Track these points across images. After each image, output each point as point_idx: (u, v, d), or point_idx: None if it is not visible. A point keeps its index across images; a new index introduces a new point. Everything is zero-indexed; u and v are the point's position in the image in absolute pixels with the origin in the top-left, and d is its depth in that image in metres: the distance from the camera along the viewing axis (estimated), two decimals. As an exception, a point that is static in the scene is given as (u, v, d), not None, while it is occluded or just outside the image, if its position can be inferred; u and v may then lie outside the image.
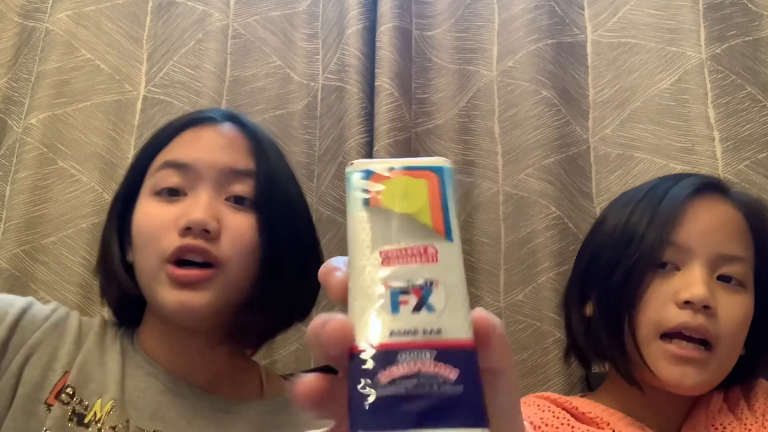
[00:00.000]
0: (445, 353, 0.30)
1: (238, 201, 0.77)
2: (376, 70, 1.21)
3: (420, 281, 0.31)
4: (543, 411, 0.82)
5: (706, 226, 0.77)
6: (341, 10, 1.30)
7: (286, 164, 0.85)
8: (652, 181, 0.87)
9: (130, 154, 1.23)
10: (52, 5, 1.30)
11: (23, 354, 0.74)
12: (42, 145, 1.18)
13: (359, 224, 0.32)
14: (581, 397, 0.88)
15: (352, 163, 0.34)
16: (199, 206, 0.73)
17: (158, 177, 0.77)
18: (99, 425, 0.72)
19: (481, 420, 0.29)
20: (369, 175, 0.34)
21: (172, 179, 0.76)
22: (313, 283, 0.78)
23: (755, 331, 0.78)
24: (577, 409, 0.82)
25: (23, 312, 0.77)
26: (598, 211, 1.15)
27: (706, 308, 0.74)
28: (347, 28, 1.25)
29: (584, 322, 0.85)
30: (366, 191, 0.33)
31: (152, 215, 0.75)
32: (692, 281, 0.75)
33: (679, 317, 0.74)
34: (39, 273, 1.14)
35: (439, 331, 0.30)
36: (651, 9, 1.25)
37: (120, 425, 0.73)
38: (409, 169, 0.34)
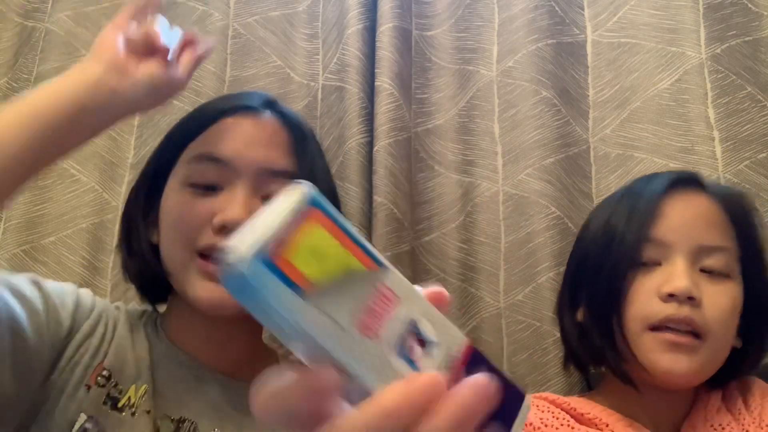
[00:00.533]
0: (467, 366, 0.31)
1: None
2: (376, 70, 1.21)
3: (405, 326, 0.30)
4: (542, 411, 0.82)
5: (684, 219, 0.78)
6: (341, 10, 1.30)
7: (325, 161, 0.84)
8: (629, 182, 0.89)
9: (130, 154, 1.23)
10: (52, 5, 1.30)
11: (78, 341, 0.74)
12: (42, 145, 1.18)
13: (314, 320, 0.27)
14: (580, 397, 0.88)
15: (227, 264, 0.26)
16: (236, 205, 0.72)
17: (193, 170, 0.76)
18: (133, 409, 0.72)
19: (523, 391, 0.32)
20: (267, 261, 0.26)
21: (208, 174, 0.75)
22: None
23: (747, 321, 0.79)
24: (575, 410, 0.82)
25: (77, 299, 0.77)
26: (598, 211, 1.15)
27: (690, 299, 0.74)
28: (347, 28, 1.25)
29: (577, 327, 0.86)
30: (289, 282, 0.26)
31: (185, 207, 0.74)
32: (674, 274, 0.75)
33: (664, 310, 0.75)
34: (39, 273, 1.13)
35: (450, 353, 0.31)
36: (651, 9, 1.25)
37: (152, 411, 0.73)
38: (289, 224, 0.27)
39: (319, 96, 1.30)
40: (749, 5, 1.21)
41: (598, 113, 1.24)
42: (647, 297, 0.76)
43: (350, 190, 1.16)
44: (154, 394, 0.74)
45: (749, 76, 1.17)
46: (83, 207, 1.19)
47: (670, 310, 0.74)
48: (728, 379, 0.81)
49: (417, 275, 1.18)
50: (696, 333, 0.74)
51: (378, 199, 1.14)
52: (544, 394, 0.86)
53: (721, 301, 0.75)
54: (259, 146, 0.76)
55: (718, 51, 1.19)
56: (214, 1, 1.31)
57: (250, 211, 0.72)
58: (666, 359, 0.74)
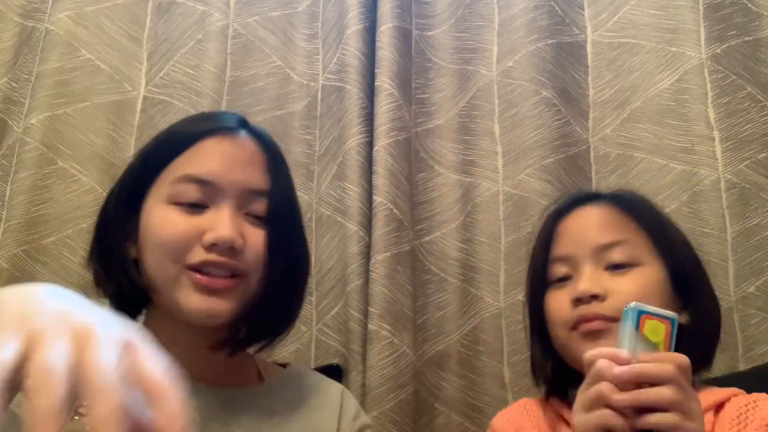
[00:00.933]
0: None
1: (255, 218, 0.80)
2: (376, 70, 1.21)
3: None
4: (528, 416, 0.86)
5: (578, 231, 0.86)
6: (341, 10, 1.30)
7: (291, 178, 0.89)
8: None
9: (130, 154, 1.23)
10: (52, 5, 1.30)
11: None
12: (42, 145, 1.18)
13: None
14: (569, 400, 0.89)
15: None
16: (224, 223, 0.76)
17: (178, 189, 0.78)
18: None
19: None
20: (641, 315, 0.65)
21: (193, 194, 0.78)
22: (302, 294, 0.84)
23: (683, 294, 0.84)
24: (563, 417, 0.84)
25: None
26: (598, 211, 1.16)
27: (594, 297, 0.80)
28: (347, 28, 1.25)
29: (539, 350, 0.92)
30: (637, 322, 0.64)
31: (174, 224, 0.77)
32: (577, 281, 0.83)
33: (577, 312, 0.81)
34: (39, 273, 1.14)
35: None
36: (651, 9, 1.25)
37: None
38: (658, 316, 0.64)
39: (319, 96, 1.30)
40: (749, 5, 1.20)
41: (598, 113, 1.24)
42: (562, 306, 0.83)
43: (350, 190, 1.16)
44: None
45: (749, 76, 1.17)
46: (83, 207, 1.19)
47: (581, 311, 0.81)
48: (695, 361, 0.84)
49: (417, 275, 1.18)
50: (609, 319, 0.80)
51: (378, 199, 1.14)
52: (532, 400, 0.89)
53: (626, 287, 0.80)
54: (240, 167, 0.80)
55: (718, 51, 1.19)
56: (214, 1, 1.31)
57: (238, 229, 0.77)
58: (590, 346, 0.79)
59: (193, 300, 0.75)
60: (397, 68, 1.21)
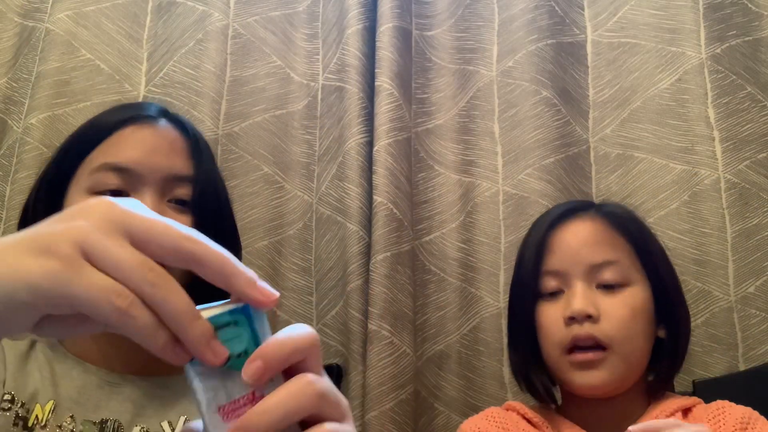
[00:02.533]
0: None
1: (179, 203, 0.79)
2: (376, 70, 1.21)
3: None
4: (495, 422, 0.87)
5: (572, 246, 0.87)
6: (341, 10, 1.30)
7: (216, 165, 0.89)
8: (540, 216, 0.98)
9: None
10: (52, 5, 1.30)
11: None
12: (42, 145, 1.18)
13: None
14: (548, 409, 0.90)
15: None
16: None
17: (97, 179, 0.77)
18: (43, 425, 0.72)
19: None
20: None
21: (112, 183, 0.77)
22: None
23: (663, 313, 0.86)
24: (527, 414, 0.87)
25: None
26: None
27: (588, 317, 0.82)
28: (347, 28, 1.25)
29: (518, 358, 0.93)
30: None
31: None
32: (571, 298, 0.84)
33: (570, 333, 0.83)
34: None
35: None
36: (651, 9, 1.25)
37: (65, 423, 0.74)
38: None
39: (319, 96, 1.30)
40: (749, 5, 1.21)
41: (598, 113, 1.24)
42: (556, 324, 0.84)
43: (350, 190, 1.16)
44: (69, 403, 0.75)
45: (749, 76, 1.18)
46: (83, 207, 1.19)
47: (575, 331, 0.82)
48: (669, 371, 0.87)
49: (417, 275, 1.18)
50: (601, 345, 0.81)
51: (378, 199, 1.14)
52: (514, 404, 0.90)
53: (619, 311, 0.83)
54: (161, 154, 0.79)
55: (718, 51, 1.19)
56: (214, 1, 1.31)
57: (159, 214, 0.76)
58: (579, 377, 0.83)
59: None
60: (397, 68, 1.21)
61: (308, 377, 0.35)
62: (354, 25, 1.25)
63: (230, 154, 1.23)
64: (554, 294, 0.86)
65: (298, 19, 1.36)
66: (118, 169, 0.77)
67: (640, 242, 0.87)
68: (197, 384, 0.34)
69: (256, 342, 0.35)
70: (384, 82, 1.19)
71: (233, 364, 0.34)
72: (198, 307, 0.34)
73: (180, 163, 0.80)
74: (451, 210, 1.22)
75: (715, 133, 1.16)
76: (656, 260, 0.88)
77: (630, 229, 0.88)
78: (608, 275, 0.84)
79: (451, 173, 1.24)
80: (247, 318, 0.35)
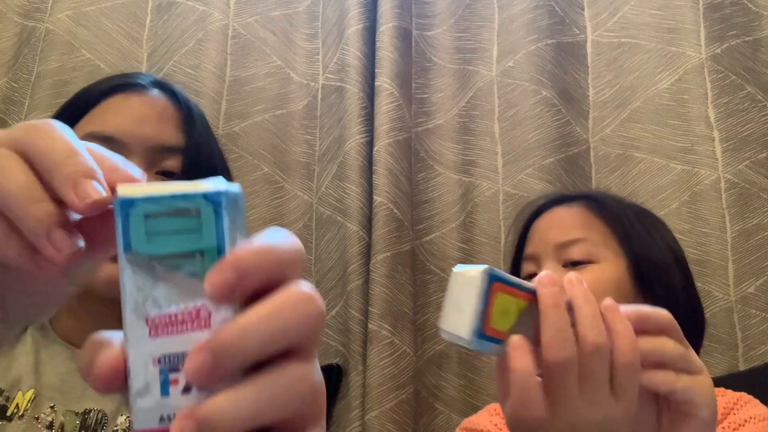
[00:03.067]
0: None
1: (167, 175, 0.75)
2: (376, 70, 1.21)
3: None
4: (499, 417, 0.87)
5: (542, 231, 0.89)
6: (341, 10, 1.30)
7: (213, 137, 0.84)
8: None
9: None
10: (52, 5, 1.30)
11: None
12: (42, 145, 1.18)
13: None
14: None
15: (456, 338, 0.43)
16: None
17: None
18: (21, 415, 0.70)
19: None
20: (481, 335, 0.41)
21: None
22: None
23: (646, 290, 0.85)
24: None
25: None
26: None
27: None
28: (347, 28, 1.25)
29: None
30: (495, 340, 0.34)
31: None
32: None
33: None
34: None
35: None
36: (651, 9, 1.25)
37: (43, 414, 0.72)
38: (484, 302, 0.33)
39: (319, 96, 1.30)
40: (749, 5, 1.21)
41: (598, 113, 1.24)
42: None
43: (350, 190, 1.16)
44: (50, 392, 0.72)
45: (749, 76, 1.18)
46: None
47: None
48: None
49: (417, 275, 1.18)
50: None
51: (378, 199, 1.14)
52: (497, 405, 0.90)
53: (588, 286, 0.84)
54: (149, 123, 0.75)
55: (718, 51, 1.19)
56: (214, 1, 1.31)
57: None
58: None
59: (102, 269, 0.69)
60: (397, 68, 1.21)
61: (302, 289, 0.27)
62: (354, 25, 1.25)
63: (230, 154, 1.23)
64: (531, 277, 0.86)
65: (298, 19, 1.36)
66: (103, 139, 0.72)
67: (614, 220, 0.87)
68: (127, 276, 0.26)
69: (220, 244, 0.27)
70: (384, 82, 1.19)
71: (178, 265, 0.26)
72: (156, 183, 0.27)
73: (169, 133, 0.76)
74: (451, 210, 1.22)
75: (715, 133, 1.16)
76: (635, 237, 0.87)
77: (608, 210, 0.88)
78: (574, 252, 0.84)
79: (451, 173, 1.24)
80: (215, 209, 0.27)
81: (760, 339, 1.08)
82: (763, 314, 1.09)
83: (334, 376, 1.10)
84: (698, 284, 1.11)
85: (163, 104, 0.78)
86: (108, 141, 0.72)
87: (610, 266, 0.85)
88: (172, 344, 0.26)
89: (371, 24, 1.26)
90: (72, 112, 0.77)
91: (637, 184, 1.18)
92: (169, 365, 0.26)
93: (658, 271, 0.87)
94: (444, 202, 1.23)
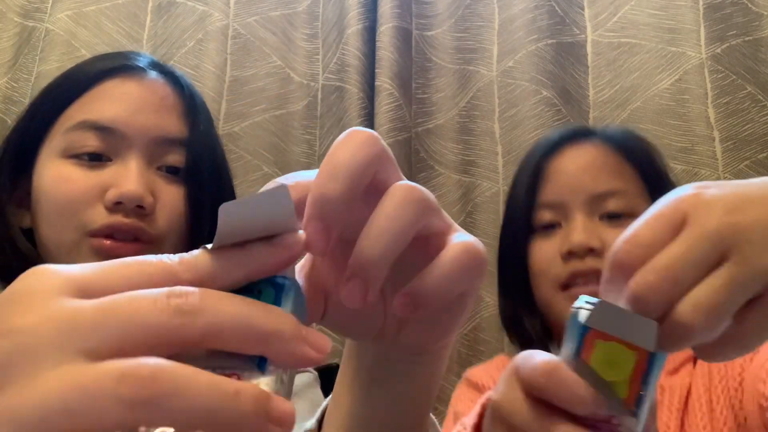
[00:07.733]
0: None
1: (170, 170, 0.69)
2: (376, 70, 1.21)
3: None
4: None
5: (570, 175, 0.77)
6: (341, 10, 1.30)
7: (214, 127, 0.78)
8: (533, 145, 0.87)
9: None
10: (52, 5, 1.30)
11: None
12: (42, 145, 1.18)
13: None
14: None
15: (580, 307, 0.36)
16: (131, 177, 0.64)
17: (73, 138, 0.66)
18: None
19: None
20: (587, 330, 0.34)
21: (91, 143, 0.66)
22: None
23: None
24: None
25: None
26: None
27: (591, 251, 0.73)
28: (347, 28, 1.25)
29: (509, 303, 0.85)
30: (580, 343, 0.33)
31: (71, 181, 0.64)
32: (570, 231, 0.74)
33: (567, 269, 0.74)
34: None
35: None
36: (651, 9, 1.25)
37: None
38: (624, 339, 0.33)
39: (319, 96, 1.30)
40: (749, 5, 1.21)
41: (598, 113, 1.24)
42: (550, 260, 0.75)
43: (350, 190, 1.16)
44: None
45: (749, 76, 1.17)
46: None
47: (575, 266, 0.73)
48: None
49: (417, 275, 1.18)
50: None
51: (378, 199, 1.14)
52: (505, 357, 0.84)
53: None
54: (150, 111, 0.68)
55: (718, 51, 1.19)
56: (214, 1, 1.31)
57: (147, 185, 0.65)
58: None
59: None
60: (397, 68, 1.21)
61: (403, 184, 0.29)
62: (354, 25, 1.25)
63: (230, 154, 1.23)
64: (549, 227, 0.77)
65: (298, 19, 1.36)
66: (99, 128, 0.66)
67: (647, 168, 0.78)
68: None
69: None
70: (384, 82, 1.19)
71: None
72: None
73: (171, 124, 0.70)
74: (451, 210, 1.22)
75: (715, 133, 1.16)
76: (667, 188, 0.83)
77: (636, 155, 0.79)
78: (612, 204, 0.75)
79: (451, 173, 1.24)
80: (277, 292, 0.26)
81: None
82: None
83: (334, 376, 1.10)
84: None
85: (163, 90, 0.71)
86: (105, 131, 0.66)
87: None
88: None
89: (371, 24, 1.26)
90: (58, 98, 0.69)
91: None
92: None
93: None
94: (444, 202, 1.23)
